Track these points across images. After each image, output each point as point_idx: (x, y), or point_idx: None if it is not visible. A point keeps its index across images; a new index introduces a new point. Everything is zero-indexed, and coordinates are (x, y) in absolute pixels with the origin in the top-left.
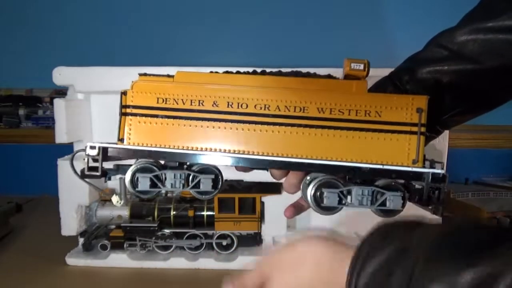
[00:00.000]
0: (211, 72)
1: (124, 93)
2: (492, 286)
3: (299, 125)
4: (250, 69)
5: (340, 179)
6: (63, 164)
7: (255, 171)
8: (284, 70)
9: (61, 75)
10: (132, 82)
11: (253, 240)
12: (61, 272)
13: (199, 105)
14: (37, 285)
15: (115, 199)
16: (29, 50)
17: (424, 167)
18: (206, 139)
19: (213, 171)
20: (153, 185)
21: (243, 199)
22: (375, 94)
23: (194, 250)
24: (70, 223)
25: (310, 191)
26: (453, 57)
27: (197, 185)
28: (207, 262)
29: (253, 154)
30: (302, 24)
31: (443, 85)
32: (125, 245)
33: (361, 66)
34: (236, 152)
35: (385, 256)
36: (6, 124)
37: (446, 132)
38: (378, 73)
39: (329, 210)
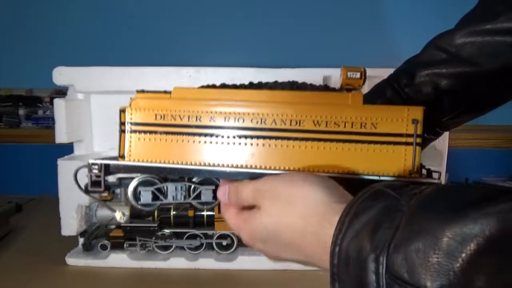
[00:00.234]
0: (208, 86)
1: (123, 111)
2: (469, 245)
3: (295, 138)
4: (247, 76)
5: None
6: (63, 164)
7: None
8: (280, 80)
9: (61, 75)
10: (131, 99)
11: None
12: (61, 272)
13: (196, 120)
14: (37, 285)
15: (118, 215)
16: (29, 50)
17: (421, 176)
18: (204, 154)
19: (214, 182)
20: (155, 197)
21: None
22: (370, 106)
23: (194, 250)
24: (70, 223)
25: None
26: (451, 59)
27: (198, 196)
28: (207, 262)
29: (250, 168)
30: (302, 24)
31: (441, 87)
32: (125, 245)
33: (358, 75)
34: (234, 166)
35: (373, 213)
36: (6, 124)
37: (446, 133)
38: (378, 73)
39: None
